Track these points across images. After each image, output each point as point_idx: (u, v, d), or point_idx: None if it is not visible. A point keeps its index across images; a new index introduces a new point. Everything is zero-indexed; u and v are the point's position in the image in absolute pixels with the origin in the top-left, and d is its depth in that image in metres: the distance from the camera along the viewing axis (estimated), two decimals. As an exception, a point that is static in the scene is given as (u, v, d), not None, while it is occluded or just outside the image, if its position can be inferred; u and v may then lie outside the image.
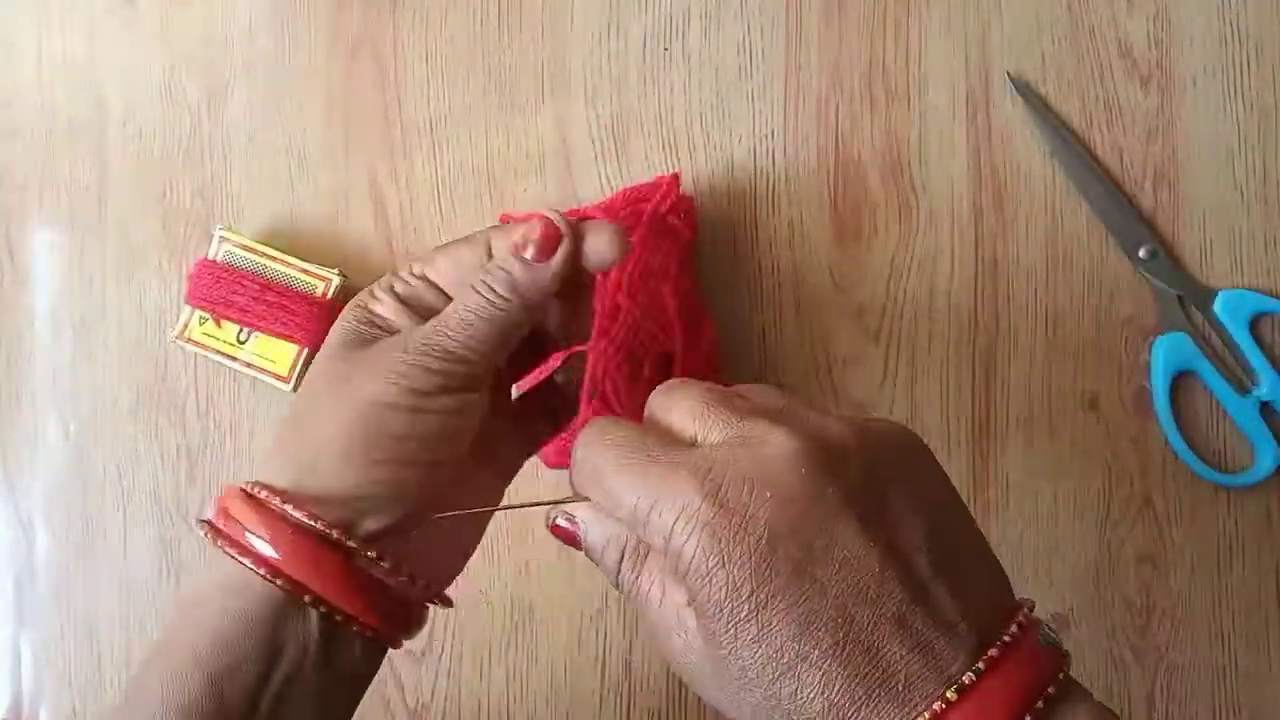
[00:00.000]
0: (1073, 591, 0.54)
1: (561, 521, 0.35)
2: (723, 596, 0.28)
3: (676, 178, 0.51)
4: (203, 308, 0.53)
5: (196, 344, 0.54)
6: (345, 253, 0.56)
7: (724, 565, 0.28)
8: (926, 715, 0.27)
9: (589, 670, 0.55)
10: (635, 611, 0.33)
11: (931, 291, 0.54)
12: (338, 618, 0.34)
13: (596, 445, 0.32)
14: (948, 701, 0.27)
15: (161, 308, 0.57)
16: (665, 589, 0.31)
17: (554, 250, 0.36)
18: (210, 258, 0.54)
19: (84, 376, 0.58)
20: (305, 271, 0.53)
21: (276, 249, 0.54)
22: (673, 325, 0.51)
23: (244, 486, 0.35)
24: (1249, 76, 0.53)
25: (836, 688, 0.27)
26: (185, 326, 0.54)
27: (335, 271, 0.53)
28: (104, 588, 0.58)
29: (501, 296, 0.35)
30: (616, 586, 0.33)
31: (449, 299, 0.37)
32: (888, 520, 0.29)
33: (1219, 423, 0.54)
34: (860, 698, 0.27)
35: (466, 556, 0.41)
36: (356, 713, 0.56)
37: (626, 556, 0.32)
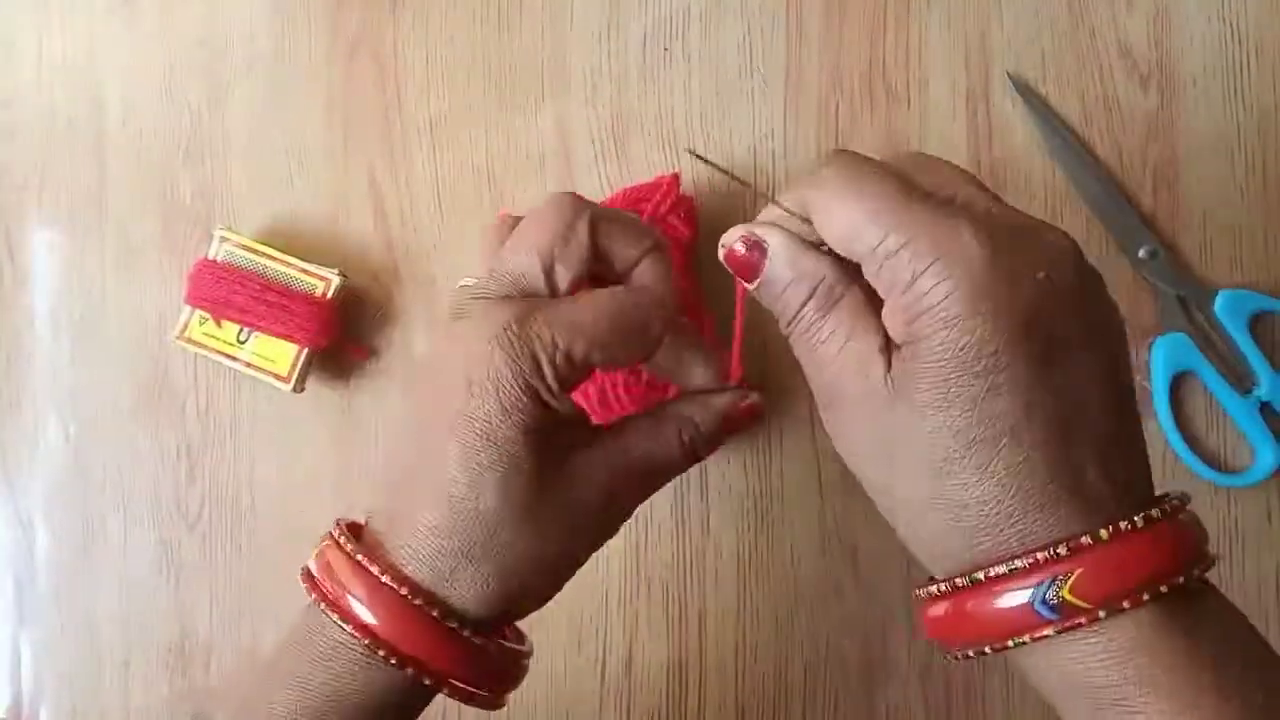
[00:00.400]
0: (1073, 591, 0.54)
1: (741, 247, 0.32)
2: (963, 346, 0.28)
3: (676, 178, 0.51)
4: (203, 307, 0.53)
5: (196, 344, 0.54)
6: (345, 252, 0.56)
7: (980, 317, 0.27)
8: (1088, 539, 0.27)
9: (589, 670, 0.55)
10: (801, 355, 0.32)
11: (931, 291, 0.54)
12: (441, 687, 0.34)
13: (856, 171, 0.31)
14: (1100, 538, 0.28)
15: (161, 307, 0.57)
16: (853, 333, 0.30)
17: (759, 267, 0.33)
18: (210, 258, 0.54)
19: (84, 376, 0.58)
20: (305, 271, 0.53)
21: (276, 249, 0.54)
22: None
23: (359, 559, 0.33)
24: (1249, 77, 0.53)
25: (1021, 482, 0.28)
26: (185, 326, 0.54)
27: (335, 271, 0.53)
28: (104, 587, 0.58)
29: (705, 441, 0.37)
30: (788, 325, 0.32)
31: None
32: (1123, 364, 0.30)
33: (1219, 423, 0.54)
34: (1036, 503, 0.28)
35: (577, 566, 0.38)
36: (356, 713, 0.56)
37: (817, 295, 0.31)
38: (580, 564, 0.36)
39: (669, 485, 0.54)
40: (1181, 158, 0.54)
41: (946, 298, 0.28)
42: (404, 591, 0.32)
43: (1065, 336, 0.28)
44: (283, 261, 0.54)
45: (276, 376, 0.53)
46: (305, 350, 0.53)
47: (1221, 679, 0.27)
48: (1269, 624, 0.53)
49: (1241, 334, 0.52)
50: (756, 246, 0.32)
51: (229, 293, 0.53)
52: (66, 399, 0.58)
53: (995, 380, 0.28)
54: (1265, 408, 0.52)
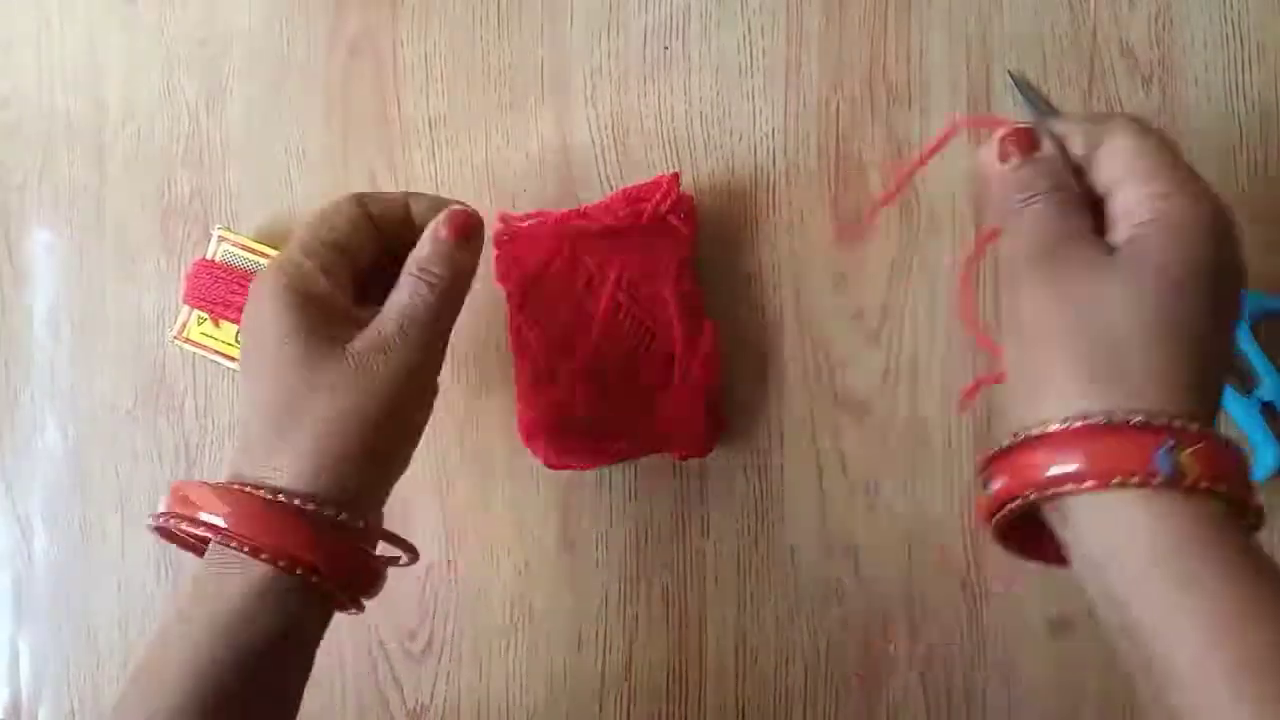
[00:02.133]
0: (1072, 591, 0.53)
1: (1018, 138, 0.39)
2: (1186, 247, 0.36)
3: (676, 177, 0.51)
4: (201, 308, 0.53)
5: (195, 344, 0.54)
6: (344, 252, 0.56)
7: (1202, 241, 0.36)
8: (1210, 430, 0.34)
9: (589, 671, 0.55)
10: (1038, 219, 0.38)
11: (932, 292, 0.54)
12: (311, 578, 0.39)
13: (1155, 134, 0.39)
14: (1218, 436, 0.34)
15: (160, 308, 0.57)
16: (1083, 211, 0.38)
17: (472, 232, 0.44)
18: (208, 258, 0.54)
19: (82, 377, 0.58)
20: None
21: (275, 248, 0.54)
22: (673, 325, 0.50)
23: (231, 484, 0.40)
24: (1250, 76, 0.53)
25: (1186, 360, 0.34)
26: (184, 327, 0.54)
27: None
28: (102, 587, 0.57)
29: (440, 276, 0.42)
30: (1040, 193, 0.38)
31: (368, 246, 0.44)
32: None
33: (1219, 422, 0.53)
34: (1185, 383, 0.34)
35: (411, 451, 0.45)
36: (357, 713, 0.56)
37: (1066, 183, 0.38)
38: (392, 428, 0.41)
39: (669, 486, 0.54)
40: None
41: (1175, 213, 0.36)
42: (240, 486, 0.39)
43: (1231, 290, 0.38)
44: None
45: None
46: None
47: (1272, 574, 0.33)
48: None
49: (1242, 334, 0.52)
50: (1038, 135, 0.39)
51: (227, 293, 0.53)
52: (65, 399, 0.58)
53: (1195, 282, 0.35)
54: (1266, 408, 0.52)
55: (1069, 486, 0.33)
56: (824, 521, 0.54)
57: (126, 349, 0.57)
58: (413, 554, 0.45)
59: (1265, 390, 0.52)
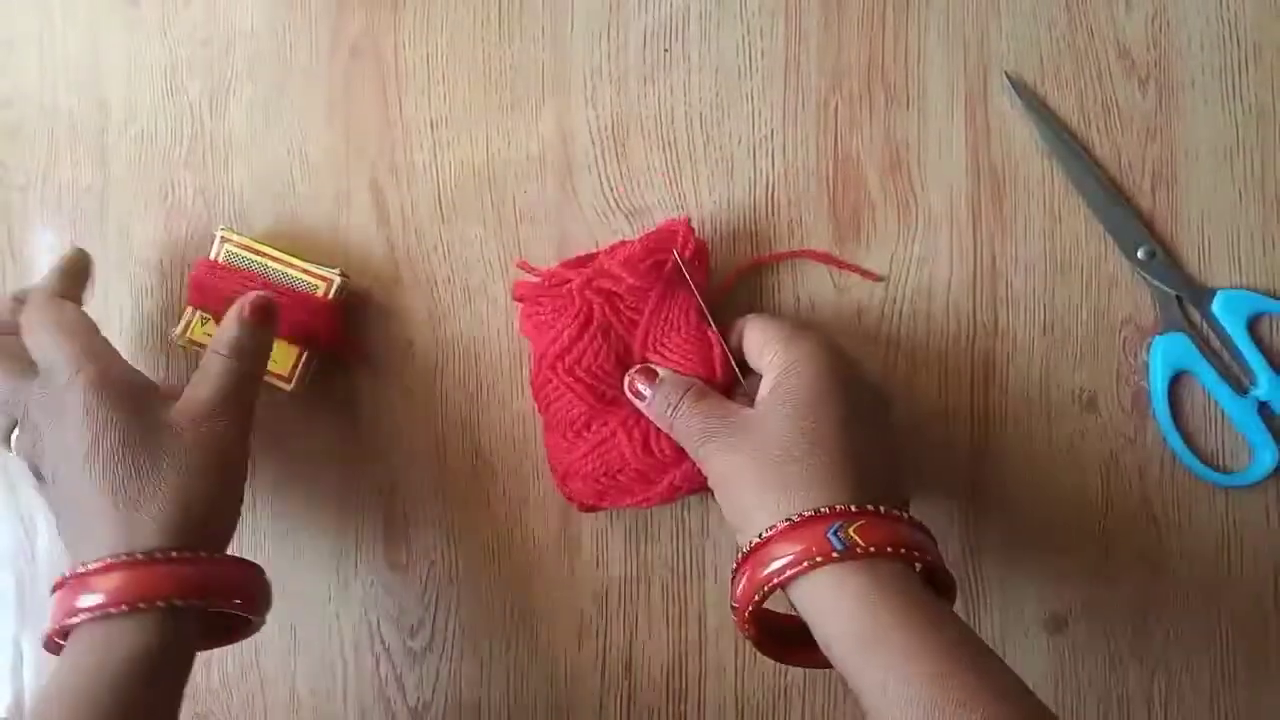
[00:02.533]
0: (1071, 591, 0.54)
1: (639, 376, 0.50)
2: (811, 384, 0.46)
3: (688, 223, 0.51)
4: (205, 308, 0.54)
5: (198, 344, 0.54)
6: (346, 253, 0.56)
7: (821, 376, 0.46)
8: (870, 508, 0.43)
9: (589, 670, 0.55)
10: (689, 426, 0.48)
11: (930, 291, 0.54)
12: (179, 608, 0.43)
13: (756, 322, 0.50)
14: (877, 511, 0.43)
15: (163, 308, 0.57)
16: (720, 398, 0.49)
17: (270, 315, 0.49)
18: (212, 258, 0.54)
19: (85, 376, 0.58)
20: (307, 272, 0.54)
21: (278, 249, 0.54)
22: (698, 369, 0.50)
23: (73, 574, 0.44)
24: (1247, 77, 0.54)
25: (833, 462, 0.44)
26: (187, 327, 0.54)
27: (336, 271, 0.54)
28: (105, 587, 0.58)
29: (233, 355, 0.48)
30: (671, 410, 0.48)
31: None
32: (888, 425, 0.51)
33: (1217, 423, 0.54)
34: (839, 479, 0.44)
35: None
36: (358, 712, 0.56)
37: (694, 388, 0.49)
38: (226, 478, 0.47)
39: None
40: (1180, 158, 0.54)
41: (810, 369, 0.46)
42: (113, 560, 0.43)
43: (857, 399, 0.46)
44: (284, 262, 0.54)
45: (278, 377, 0.53)
46: (306, 351, 0.53)
47: (945, 619, 0.41)
48: (1268, 623, 0.53)
49: (1240, 334, 0.52)
50: (650, 374, 0.49)
51: (230, 293, 0.53)
52: (68, 399, 0.58)
53: (824, 399, 0.45)
54: (1263, 408, 0.53)
55: (788, 573, 0.41)
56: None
57: (129, 349, 0.57)
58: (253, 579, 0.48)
59: (1261, 390, 0.52)
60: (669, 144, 0.55)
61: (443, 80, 0.56)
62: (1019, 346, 0.54)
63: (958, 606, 0.53)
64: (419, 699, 0.56)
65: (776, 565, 0.42)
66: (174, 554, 0.43)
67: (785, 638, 0.46)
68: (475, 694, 0.56)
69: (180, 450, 0.45)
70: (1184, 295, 0.53)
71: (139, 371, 0.48)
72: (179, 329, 0.54)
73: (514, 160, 0.56)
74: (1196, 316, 0.53)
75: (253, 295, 0.49)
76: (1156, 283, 0.53)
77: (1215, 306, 0.52)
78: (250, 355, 0.48)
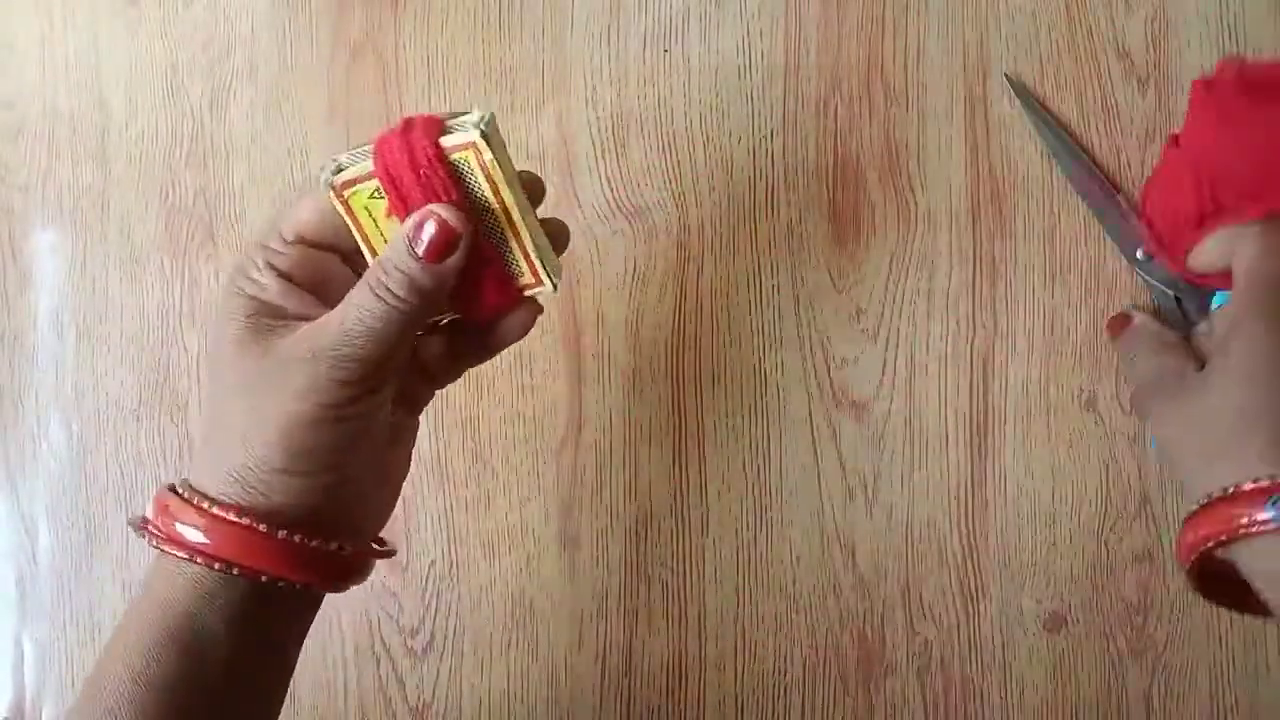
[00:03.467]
0: (1070, 590, 0.54)
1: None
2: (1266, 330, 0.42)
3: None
4: (388, 187, 0.37)
5: (348, 208, 0.38)
6: (347, 253, 0.56)
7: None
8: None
9: (589, 669, 0.55)
10: (1146, 362, 0.48)
11: (930, 292, 0.54)
12: (276, 583, 0.36)
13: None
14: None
15: (164, 308, 0.57)
16: (1187, 350, 0.48)
17: (450, 251, 0.36)
18: (443, 144, 0.37)
19: (87, 376, 0.58)
20: (527, 255, 0.40)
21: (524, 208, 0.40)
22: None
23: (177, 488, 0.37)
24: (1246, 78, 0.54)
25: None
26: (354, 182, 0.38)
27: (550, 275, 0.41)
28: (106, 587, 0.58)
29: (403, 300, 0.35)
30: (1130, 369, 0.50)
31: (332, 253, 0.38)
32: None
33: None
34: None
35: (397, 494, 0.43)
36: (358, 712, 0.57)
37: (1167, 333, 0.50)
38: (320, 436, 0.36)
39: (668, 487, 0.54)
40: (1179, 159, 0.54)
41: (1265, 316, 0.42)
42: (210, 507, 0.36)
43: None
44: (512, 224, 0.40)
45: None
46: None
47: None
48: (1267, 623, 0.53)
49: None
50: (1128, 313, 0.51)
51: (418, 189, 0.37)
52: (69, 399, 0.58)
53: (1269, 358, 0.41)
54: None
55: (1258, 528, 0.39)
56: (822, 520, 0.54)
57: (131, 348, 0.57)
58: (389, 553, 0.43)
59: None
60: (669, 144, 0.55)
61: (443, 80, 0.56)
62: (1018, 347, 0.54)
63: (956, 606, 0.53)
64: (419, 699, 0.56)
65: (1256, 517, 0.40)
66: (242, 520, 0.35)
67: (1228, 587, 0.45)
68: (475, 693, 0.56)
69: (264, 384, 0.36)
70: (1183, 295, 0.53)
71: (300, 289, 0.38)
72: (346, 176, 0.38)
73: (515, 159, 0.56)
74: (1195, 317, 0.53)
75: (439, 215, 0.35)
76: (1155, 283, 0.53)
77: (1214, 307, 0.52)
78: (405, 303, 0.35)
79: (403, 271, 0.35)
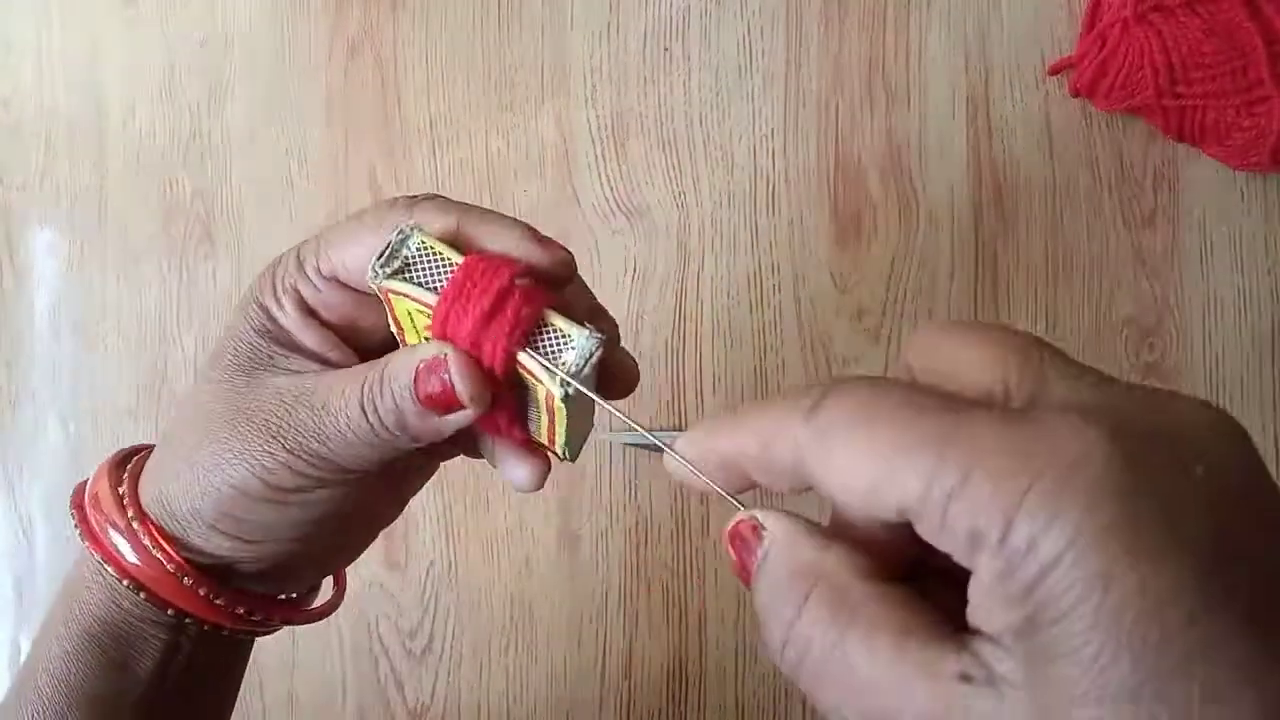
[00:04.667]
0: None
1: (732, 538, 0.25)
2: (1131, 613, 0.18)
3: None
4: (437, 331, 0.30)
5: (388, 301, 0.31)
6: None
7: (1143, 561, 0.18)
8: None
9: (589, 670, 0.55)
10: (825, 684, 0.23)
11: (932, 291, 0.54)
12: (204, 626, 0.33)
13: (859, 397, 0.21)
14: None
15: (161, 306, 0.57)
16: (905, 631, 0.21)
17: (448, 413, 0.29)
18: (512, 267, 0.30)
19: (84, 376, 0.58)
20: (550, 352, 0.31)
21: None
22: None
23: (119, 480, 0.33)
24: (1249, 77, 0.53)
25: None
26: (404, 297, 0.30)
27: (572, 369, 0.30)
28: (104, 587, 0.58)
29: (390, 432, 0.30)
30: (781, 647, 0.23)
31: (358, 296, 0.31)
32: None
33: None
34: None
35: (373, 537, 0.38)
36: (357, 713, 0.56)
37: (817, 592, 0.23)
38: (303, 517, 0.32)
39: (669, 486, 0.54)
40: (1182, 158, 0.53)
41: (1071, 545, 0.18)
42: (133, 521, 0.32)
43: (1253, 556, 0.19)
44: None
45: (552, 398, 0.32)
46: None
47: None
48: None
49: (1242, 335, 0.52)
50: (753, 533, 0.25)
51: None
52: (67, 398, 0.58)
53: (1194, 647, 0.18)
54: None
55: None
56: (824, 520, 0.54)
57: (128, 348, 0.57)
58: (324, 611, 0.39)
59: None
60: (669, 143, 0.55)
61: (441, 79, 0.56)
62: (1020, 347, 0.54)
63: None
64: (418, 700, 0.56)
65: None
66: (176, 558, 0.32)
67: None
68: (474, 695, 0.56)
69: (230, 413, 0.32)
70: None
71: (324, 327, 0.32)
72: (393, 281, 0.29)
73: (514, 160, 0.56)
74: (1198, 317, 0.53)
75: (451, 381, 0.28)
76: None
77: (1217, 307, 0.52)
78: (402, 436, 0.30)
79: (398, 406, 0.29)
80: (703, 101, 0.55)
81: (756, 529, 0.25)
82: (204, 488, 0.31)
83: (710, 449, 0.25)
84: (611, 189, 0.55)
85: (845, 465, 0.21)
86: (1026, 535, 0.18)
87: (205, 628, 0.34)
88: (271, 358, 0.32)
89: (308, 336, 0.32)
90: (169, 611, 0.33)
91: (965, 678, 0.19)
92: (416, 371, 0.29)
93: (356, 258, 0.31)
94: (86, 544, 0.33)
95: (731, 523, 0.25)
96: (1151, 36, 0.48)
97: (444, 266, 0.29)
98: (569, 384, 0.28)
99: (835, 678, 0.22)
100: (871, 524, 0.23)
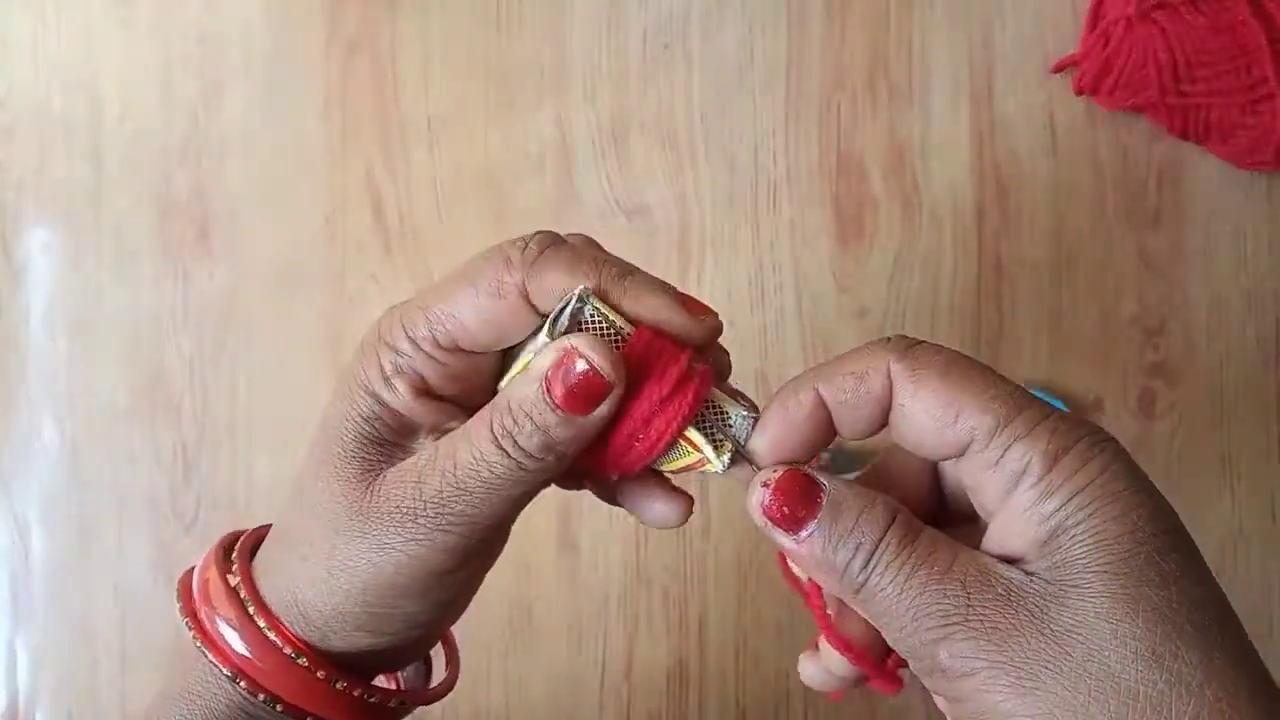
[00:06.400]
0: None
1: (771, 497, 0.27)
2: (1140, 524, 0.25)
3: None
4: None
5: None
6: (343, 253, 0.56)
7: (1145, 494, 0.25)
8: None
9: (589, 672, 0.55)
10: (887, 605, 0.25)
11: (935, 291, 0.53)
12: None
13: (942, 353, 0.27)
14: None
15: (157, 307, 0.57)
16: (957, 552, 0.25)
17: (597, 402, 0.27)
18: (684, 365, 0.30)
19: (80, 377, 0.58)
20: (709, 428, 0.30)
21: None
22: None
23: (229, 575, 0.32)
24: (1254, 75, 0.53)
25: (1244, 691, 0.25)
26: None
27: (729, 450, 0.29)
28: (100, 589, 0.57)
29: (532, 457, 0.28)
30: (865, 567, 0.25)
31: (474, 362, 0.29)
32: None
33: (1223, 424, 0.53)
34: None
35: (465, 607, 0.36)
36: (354, 716, 0.56)
37: (899, 521, 0.26)
38: (442, 596, 0.31)
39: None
40: (1185, 156, 0.53)
41: (1107, 470, 0.25)
42: (267, 630, 0.31)
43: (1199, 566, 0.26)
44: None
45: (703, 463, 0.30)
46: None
47: None
48: (1272, 625, 0.53)
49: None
50: (809, 488, 0.27)
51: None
52: (63, 400, 0.58)
53: (1179, 563, 0.25)
54: None
55: None
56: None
57: (124, 349, 0.57)
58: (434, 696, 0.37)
59: None
60: (670, 142, 0.55)
61: (440, 78, 0.56)
62: (1024, 347, 0.53)
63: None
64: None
65: None
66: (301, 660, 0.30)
67: None
68: (474, 698, 0.55)
69: (347, 526, 0.30)
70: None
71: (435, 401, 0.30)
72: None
73: (513, 158, 0.55)
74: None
75: (589, 356, 0.27)
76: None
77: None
78: (532, 460, 0.28)
79: (536, 425, 0.27)
80: (703, 100, 0.54)
81: (812, 479, 0.27)
82: (349, 589, 0.30)
83: (802, 398, 0.28)
84: (611, 188, 0.55)
85: (933, 395, 0.26)
86: (1075, 462, 0.25)
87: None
88: (385, 446, 0.30)
89: (427, 416, 0.30)
90: (280, 709, 0.31)
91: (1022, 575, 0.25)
92: (545, 381, 0.27)
93: (471, 313, 0.28)
94: (208, 654, 0.31)
95: (773, 475, 0.27)
96: (1155, 34, 0.48)
97: (614, 335, 0.28)
98: (726, 463, 0.29)
99: (898, 595, 0.25)
100: (910, 471, 0.29)
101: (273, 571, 0.32)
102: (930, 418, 0.26)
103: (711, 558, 0.54)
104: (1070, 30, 0.53)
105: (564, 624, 0.55)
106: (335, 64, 0.56)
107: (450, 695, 0.55)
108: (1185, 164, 0.53)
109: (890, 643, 0.26)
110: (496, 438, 0.28)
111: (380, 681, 0.35)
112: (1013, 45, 0.54)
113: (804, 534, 0.26)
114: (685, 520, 0.31)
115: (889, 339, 0.27)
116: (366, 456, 0.30)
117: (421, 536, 0.28)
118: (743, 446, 0.29)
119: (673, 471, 0.31)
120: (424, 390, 0.29)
